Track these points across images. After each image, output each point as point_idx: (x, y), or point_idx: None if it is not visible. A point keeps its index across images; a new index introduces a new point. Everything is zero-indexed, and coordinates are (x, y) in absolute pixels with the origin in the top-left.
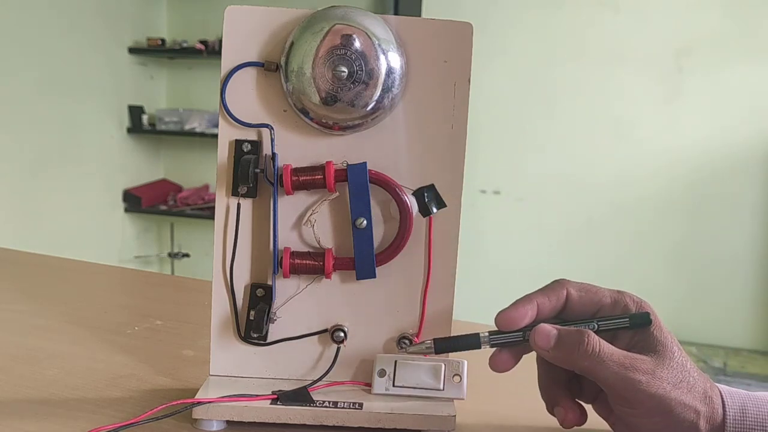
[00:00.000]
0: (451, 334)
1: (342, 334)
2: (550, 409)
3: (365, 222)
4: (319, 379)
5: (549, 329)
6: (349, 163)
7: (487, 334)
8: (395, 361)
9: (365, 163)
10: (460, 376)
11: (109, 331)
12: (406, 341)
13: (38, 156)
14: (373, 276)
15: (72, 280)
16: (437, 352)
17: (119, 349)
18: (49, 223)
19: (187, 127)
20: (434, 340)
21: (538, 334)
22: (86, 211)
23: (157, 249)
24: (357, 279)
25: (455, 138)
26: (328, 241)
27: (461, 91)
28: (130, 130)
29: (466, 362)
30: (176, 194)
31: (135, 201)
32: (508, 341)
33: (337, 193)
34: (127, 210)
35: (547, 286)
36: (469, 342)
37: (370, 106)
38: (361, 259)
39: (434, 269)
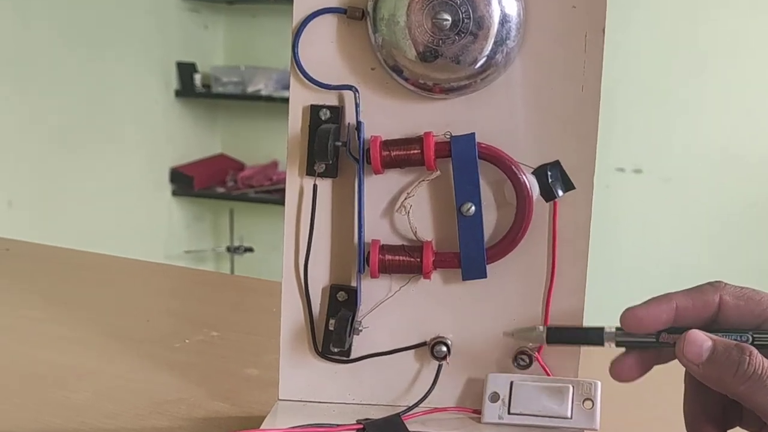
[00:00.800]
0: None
1: (444, 349)
2: None
3: (473, 208)
4: (416, 404)
5: (702, 338)
6: (454, 134)
7: (614, 329)
8: (511, 382)
9: (473, 134)
10: (593, 401)
11: (152, 344)
12: (525, 357)
13: (63, 127)
14: (484, 276)
15: (106, 281)
16: (549, 342)
17: (165, 367)
18: (78, 210)
19: (250, 89)
20: (548, 327)
21: (688, 343)
22: (124, 194)
23: (212, 242)
24: (463, 279)
25: (586, 103)
26: (426, 233)
27: (594, 44)
28: (178, 94)
29: (600, 383)
30: (237, 173)
31: (185, 182)
32: (639, 343)
33: (439, 172)
34: (175, 193)
35: (695, 287)
36: (590, 336)
37: (479, 63)
38: (469, 255)
39: (559, 267)
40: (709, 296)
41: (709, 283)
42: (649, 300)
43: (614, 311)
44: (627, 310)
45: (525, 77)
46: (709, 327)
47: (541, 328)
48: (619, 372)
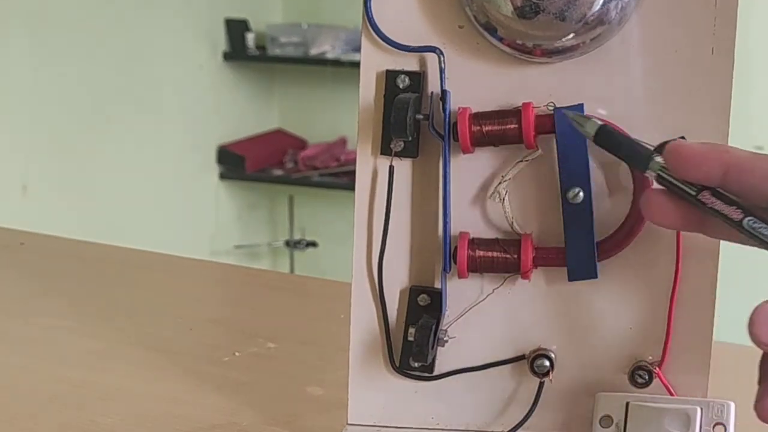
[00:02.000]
0: (710, 357)
1: (547, 363)
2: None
3: (581, 194)
4: (513, 429)
5: None
6: (558, 105)
7: (662, 162)
8: (627, 404)
9: (581, 105)
10: (725, 426)
11: (196, 358)
12: (644, 374)
13: (90, 97)
14: (594, 276)
15: (140, 282)
16: (597, 141)
17: (212, 385)
18: (106, 197)
19: (314, 51)
20: (602, 125)
21: (758, 322)
22: (162, 178)
23: (268, 235)
24: (569, 280)
25: (717, 69)
26: (525, 224)
27: None
28: (227, 57)
29: (733, 405)
30: (297, 152)
31: (236, 163)
32: (676, 188)
33: (540, 151)
34: (224, 176)
35: (765, 157)
36: (635, 154)
37: (588, 20)
38: (576, 251)
39: (685, 266)
40: None
41: None
42: (703, 142)
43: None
44: (674, 141)
45: (643, 37)
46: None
47: (597, 120)
48: (652, 208)
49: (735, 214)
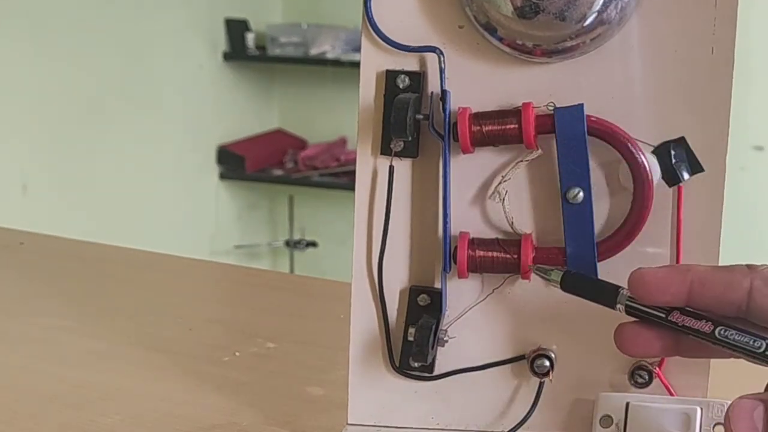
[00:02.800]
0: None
1: (547, 363)
2: None
3: (582, 194)
4: (513, 429)
5: (750, 406)
6: (558, 105)
7: (629, 294)
8: (627, 404)
9: (581, 105)
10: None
11: (196, 358)
12: (644, 373)
13: (90, 96)
14: (595, 275)
15: (140, 282)
16: (564, 287)
17: (212, 385)
18: (110, 197)
19: (314, 51)
20: (566, 271)
21: (735, 418)
22: (163, 177)
23: (268, 235)
24: None
25: (717, 68)
26: (525, 224)
27: None
28: (228, 57)
29: None
30: (297, 152)
31: (236, 163)
32: (647, 314)
33: (540, 151)
34: (224, 176)
35: (727, 265)
36: (605, 292)
37: (588, 20)
38: (576, 250)
39: (685, 263)
40: (738, 277)
41: (747, 265)
42: (664, 266)
43: None
44: (636, 270)
45: (643, 37)
46: (735, 319)
47: (560, 270)
48: (625, 341)
49: (706, 327)
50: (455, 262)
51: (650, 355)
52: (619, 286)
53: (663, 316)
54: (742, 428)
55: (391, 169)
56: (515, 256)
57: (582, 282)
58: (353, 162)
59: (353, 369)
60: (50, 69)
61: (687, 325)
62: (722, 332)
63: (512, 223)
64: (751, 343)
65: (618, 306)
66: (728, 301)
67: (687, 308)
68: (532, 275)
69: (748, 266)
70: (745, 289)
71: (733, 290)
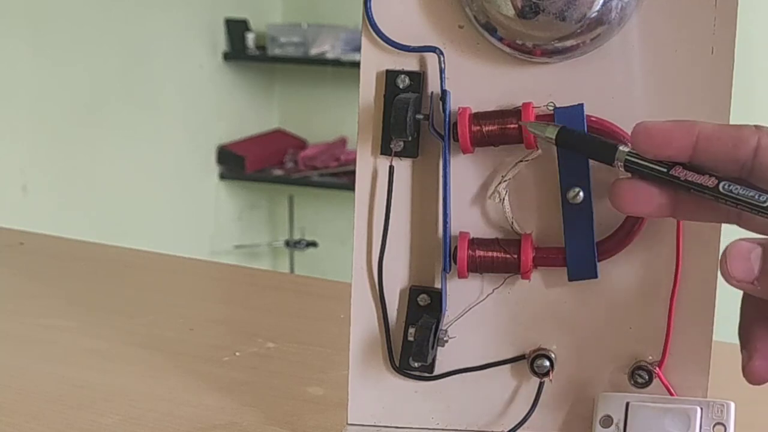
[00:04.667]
0: (710, 357)
1: (547, 363)
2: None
3: (582, 194)
4: (513, 429)
5: (748, 247)
6: (558, 105)
7: (628, 149)
8: (627, 404)
9: (581, 105)
10: (725, 426)
11: (196, 358)
12: (644, 374)
13: (90, 96)
14: (595, 276)
15: (140, 283)
16: (558, 143)
17: (212, 385)
18: (110, 197)
19: (314, 51)
20: (562, 126)
21: (732, 258)
22: (162, 178)
23: (268, 235)
24: (569, 280)
25: (716, 69)
26: (525, 224)
27: None
28: (228, 57)
29: (733, 405)
30: (297, 153)
31: (236, 163)
32: (648, 169)
33: (540, 151)
34: (224, 176)
35: (734, 125)
36: (601, 147)
37: (588, 20)
38: (576, 250)
39: (685, 265)
40: (746, 134)
41: (755, 125)
42: (669, 120)
43: None
44: (640, 122)
45: (643, 37)
46: (738, 178)
47: (555, 126)
48: (624, 197)
49: (709, 181)
50: (455, 262)
51: (645, 213)
52: (618, 142)
53: (665, 170)
54: (737, 268)
55: (391, 169)
56: (515, 256)
57: (579, 137)
58: (353, 162)
59: (353, 369)
60: (50, 69)
61: (690, 179)
62: (726, 186)
63: (512, 223)
64: (756, 197)
65: (617, 162)
66: (733, 158)
67: (691, 163)
68: (533, 274)
69: (755, 125)
70: (751, 147)
71: (739, 147)
